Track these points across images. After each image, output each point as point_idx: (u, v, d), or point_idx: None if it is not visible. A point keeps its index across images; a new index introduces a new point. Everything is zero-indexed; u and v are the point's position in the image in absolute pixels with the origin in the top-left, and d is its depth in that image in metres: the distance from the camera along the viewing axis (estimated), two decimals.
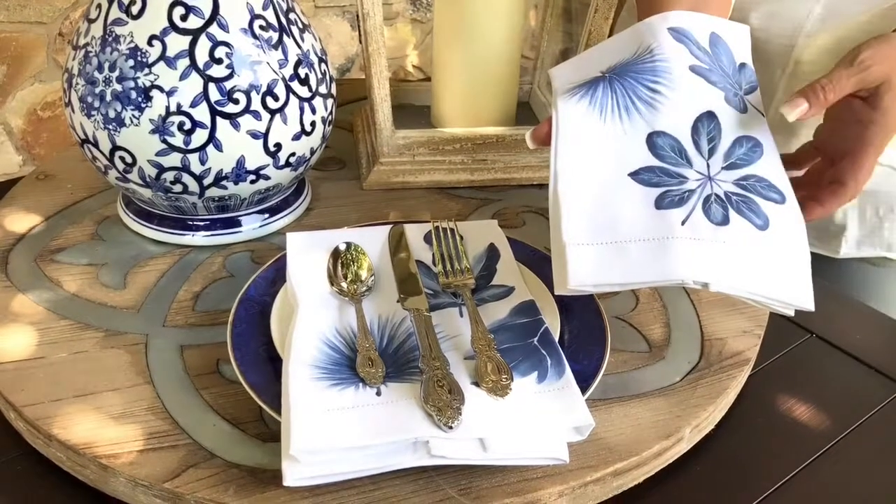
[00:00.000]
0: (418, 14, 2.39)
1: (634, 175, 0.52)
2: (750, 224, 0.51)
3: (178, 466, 0.47)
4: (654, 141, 0.53)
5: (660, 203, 0.51)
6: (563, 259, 0.50)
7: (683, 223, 0.50)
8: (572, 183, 0.52)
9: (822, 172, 0.57)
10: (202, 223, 0.65)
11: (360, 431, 0.44)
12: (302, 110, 0.61)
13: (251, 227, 0.66)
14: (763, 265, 0.51)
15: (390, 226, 0.62)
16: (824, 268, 0.80)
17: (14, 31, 1.78)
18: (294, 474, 0.43)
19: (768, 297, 0.50)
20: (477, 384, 0.48)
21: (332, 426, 0.45)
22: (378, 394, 0.47)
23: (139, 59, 0.56)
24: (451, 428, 0.45)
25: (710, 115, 0.54)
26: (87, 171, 0.75)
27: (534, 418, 0.46)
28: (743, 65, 0.57)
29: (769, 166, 0.54)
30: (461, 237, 0.61)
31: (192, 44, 0.56)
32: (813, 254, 0.80)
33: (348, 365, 0.49)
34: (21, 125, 1.86)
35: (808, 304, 0.51)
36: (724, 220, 0.51)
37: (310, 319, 0.52)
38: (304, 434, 0.44)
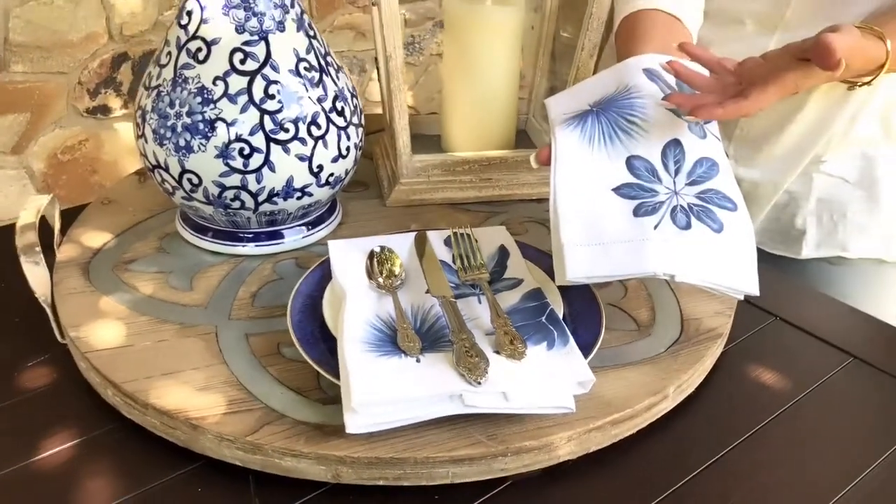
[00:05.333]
0: (412, 58, 2.54)
1: (616, 190, 0.64)
2: (708, 228, 0.63)
3: (255, 425, 0.57)
4: (631, 163, 0.65)
5: (636, 212, 0.63)
6: (562, 257, 0.61)
7: (655, 228, 0.62)
8: (568, 196, 0.64)
9: (728, 87, 0.65)
10: (251, 235, 0.76)
11: (406, 387, 0.55)
12: (339, 137, 0.72)
13: (294, 238, 0.77)
14: (718, 260, 0.62)
15: (415, 233, 0.73)
16: (789, 267, 0.92)
17: (37, 80, 1.90)
18: (354, 423, 0.54)
19: (722, 285, 0.62)
20: (497, 352, 0.59)
21: (384, 384, 0.55)
22: (417, 361, 0.58)
23: (206, 96, 0.68)
24: (479, 384, 0.55)
25: (676, 142, 0.66)
26: (143, 195, 0.86)
27: (545, 375, 0.57)
28: (666, 94, 0.69)
29: (724, 181, 0.66)
30: (476, 240, 0.72)
31: (250, 83, 0.68)
32: (778, 255, 0.92)
33: (391, 341, 0.60)
34: (42, 168, 1.97)
35: (754, 290, 0.63)
36: (688, 226, 0.62)
37: (356, 307, 0.63)
38: (362, 390, 0.54)
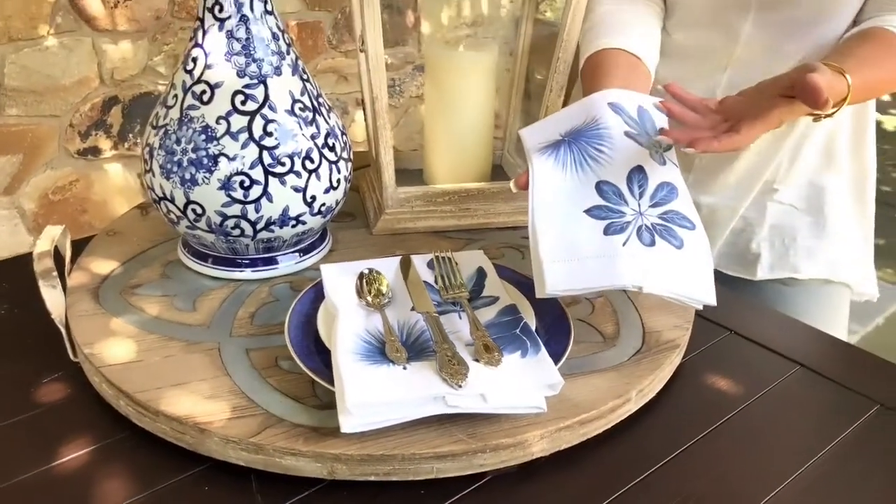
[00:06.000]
0: (393, 100, 2.63)
1: (588, 211, 0.71)
2: (670, 245, 0.70)
3: (257, 428, 0.63)
4: (601, 187, 0.73)
5: (607, 231, 0.70)
6: (542, 272, 0.68)
7: (624, 245, 0.69)
8: (545, 217, 0.71)
9: (716, 123, 0.73)
10: (248, 261, 0.82)
11: (395, 390, 0.61)
12: (331, 170, 0.79)
13: (288, 263, 0.83)
14: (680, 274, 0.69)
15: (400, 256, 0.80)
16: (746, 288, 0.99)
17: (30, 123, 1.96)
18: (348, 424, 0.60)
19: (683, 295, 0.69)
20: (476, 360, 0.65)
21: (374, 388, 0.61)
22: (404, 369, 0.64)
23: (209, 133, 0.74)
24: (460, 386, 0.62)
25: (639, 168, 0.74)
26: (146, 227, 0.92)
27: (519, 379, 0.64)
28: (662, 130, 0.77)
29: (683, 204, 0.74)
30: (456, 263, 0.79)
31: (250, 122, 0.75)
32: (736, 277, 1.00)
33: (380, 352, 0.66)
34: (33, 208, 2.02)
35: (712, 300, 0.70)
36: (652, 243, 0.70)
37: (347, 322, 0.69)
38: (355, 393, 0.60)
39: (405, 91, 2.69)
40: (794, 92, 0.66)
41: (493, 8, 2.70)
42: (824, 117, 0.74)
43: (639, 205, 0.72)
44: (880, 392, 0.73)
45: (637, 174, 0.73)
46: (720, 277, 0.97)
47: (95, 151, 2.09)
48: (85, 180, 2.09)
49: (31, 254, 0.83)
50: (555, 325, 0.73)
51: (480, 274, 0.78)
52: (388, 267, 0.78)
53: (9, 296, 0.85)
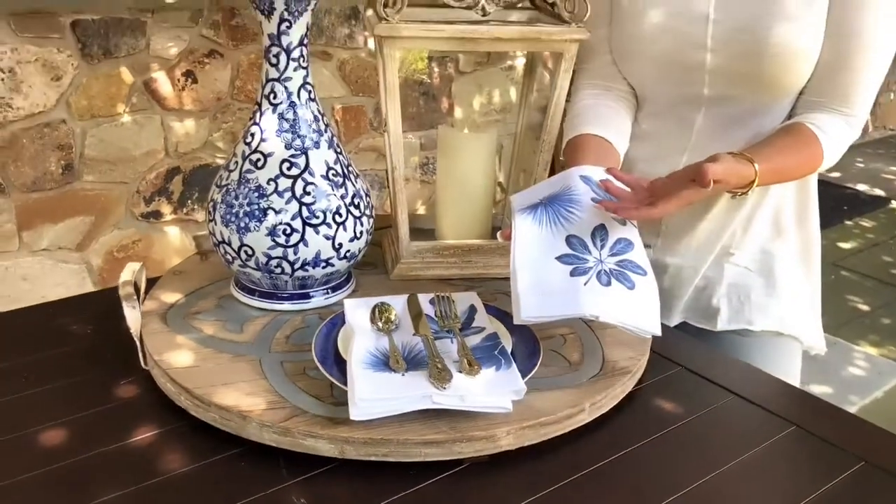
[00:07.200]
0: (426, 177, 2.87)
1: (558, 258, 0.90)
2: (623, 286, 0.88)
3: (286, 416, 0.80)
4: (570, 240, 0.91)
5: (572, 273, 0.88)
6: (518, 302, 0.87)
7: (585, 284, 0.87)
8: (523, 261, 0.90)
9: (643, 197, 0.92)
10: (286, 296, 1.01)
11: (393, 388, 0.79)
12: (355, 224, 0.99)
13: (319, 298, 1.02)
14: (630, 308, 0.87)
15: (408, 294, 0.99)
16: (707, 337, 1.16)
17: (103, 189, 2.22)
18: (356, 412, 0.77)
19: (632, 325, 0.86)
20: (460, 371, 0.83)
21: (377, 387, 0.79)
22: (402, 375, 0.82)
23: (261, 192, 0.95)
24: (444, 388, 0.79)
25: (601, 226, 0.92)
26: (204, 269, 1.12)
27: (492, 385, 0.81)
28: (594, 199, 0.95)
29: (637, 255, 0.92)
30: (453, 301, 0.97)
31: (293, 184, 0.95)
32: (698, 328, 1.16)
33: (384, 363, 0.84)
34: (100, 263, 2.26)
35: (657, 331, 0.87)
36: (609, 283, 0.88)
37: (361, 341, 0.88)
38: (362, 389, 0.78)
39: (432, 171, 2.92)
40: (694, 176, 0.85)
41: (503, 97, 2.97)
42: (740, 195, 0.93)
43: (600, 254, 0.90)
44: (796, 413, 0.89)
45: (600, 230, 0.92)
46: (687, 328, 1.14)
47: (157, 215, 2.33)
48: (146, 240, 2.33)
49: (105, 290, 1.04)
50: (528, 350, 0.91)
51: (472, 310, 0.96)
52: (397, 302, 0.97)
53: (92, 320, 1.05)
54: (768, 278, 1.13)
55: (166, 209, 2.35)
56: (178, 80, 2.25)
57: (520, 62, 2.95)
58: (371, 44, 2.61)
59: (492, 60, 2.90)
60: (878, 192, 4.24)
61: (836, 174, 4.16)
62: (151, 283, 1.09)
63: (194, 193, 2.38)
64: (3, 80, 1.96)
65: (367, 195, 1.03)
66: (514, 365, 0.84)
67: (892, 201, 4.11)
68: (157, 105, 2.24)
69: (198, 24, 2.24)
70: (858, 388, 2.22)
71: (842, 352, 2.52)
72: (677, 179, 0.90)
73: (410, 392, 0.79)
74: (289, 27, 0.93)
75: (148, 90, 2.21)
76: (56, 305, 1.12)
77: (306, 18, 0.94)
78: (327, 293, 1.03)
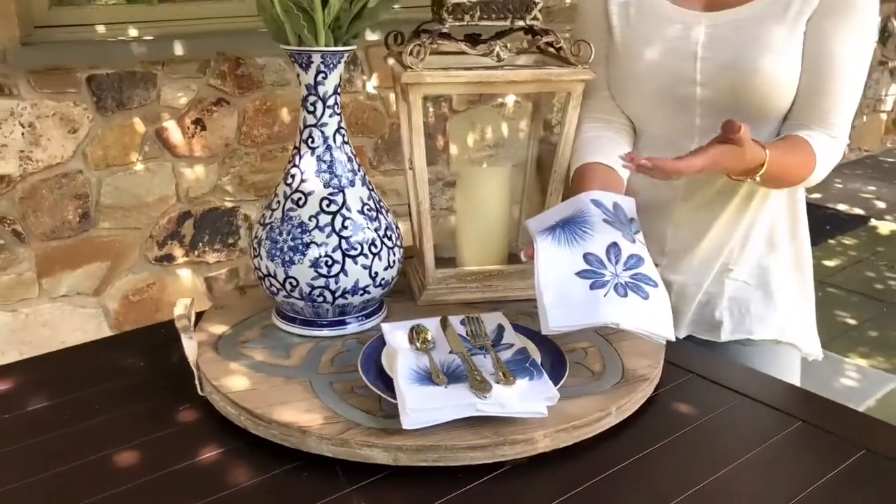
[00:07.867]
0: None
1: (578, 274, 0.99)
2: (638, 296, 0.97)
3: (342, 430, 0.88)
4: (587, 257, 1.00)
5: (592, 287, 0.98)
6: (545, 315, 0.96)
7: (605, 296, 0.96)
8: (546, 278, 0.99)
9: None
10: (326, 322, 1.10)
11: (439, 399, 0.88)
12: (388, 254, 1.08)
13: (355, 325, 1.11)
14: (646, 316, 0.96)
15: (440, 317, 1.07)
16: (712, 348, 1.25)
17: (118, 235, 2.30)
18: (407, 422, 0.86)
19: (649, 330, 0.96)
20: (497, 382, 0.91)
21: (425, 398, 0.88)
22: (445, 388, 0.90)
23: (304, 228, 1.04)
24: (486, 397, 0.88)
25: (615, 244, 1.02)
26: (244, 303, 1.20)
27: (528, 394, 0.89)
28: (632, 219, 1.05)
29: (648, 269, 1.01)
30: (482, 321, 1.06)
31: (333, 219, 1.04)
32: (703, 339, 1.26)
33: (428, 378, 0.92)
34: (116, 307, 2.33)
35: (671, 336, 0.96)
36: (625, 294, 0.97)
37: (404, 359, 0.96)
38: (412, 400, 0.87)
39: (435, 204, 3.02)
40: (722, 128, 0.95)
41: (510, 131, 3.08)
42: (750, 180, 1.02)
43: (615, 269, 0.99)
44: (800, 410, 0.98)
45: (613, 248, 1.01)
46: (692, 340, 1.23)
47: (170, 258, 2.41)
48: (160, 283, 2.40)
49: (153, 326, 1.13)
50: (555, 362, 0.99)
51: (500, 328, 1.05)
52: (431, 324, 1.06)
53: (142, 355, 1.13)
54: (766, 291, 1.23)
55: (178, 252, 2.43)
56: (188, 128, 2.34)
57: (510, 99, 3.08)
58: (370, 87, 2.72)
59: (483, 99, 3.02)
60: (858, 210, 4.38)
61: (817, 195, 4.31)
62: (198, 316, 1.17)
63: (205, 236, 2.47)
64: (23, 134, 2.05)
65: (396, 227, 1.12)
66: (545, 375, 0.93)
67: (872, 219, 4.26)
68: (169, 152, 2.33)
69: (205, 74, 2.34)
70: (852, 398, 2.31)
71: (833, 364, 2.62)
72: (704, 146, 1.00)
73: (455, 402, 0.88)
74: (324, 78, 1.03)
75: (159, 139, 2.30)
76: (102, 343, 1.20)
77: (340, 70, 1.04)
78: (362, 320, 1.12)
